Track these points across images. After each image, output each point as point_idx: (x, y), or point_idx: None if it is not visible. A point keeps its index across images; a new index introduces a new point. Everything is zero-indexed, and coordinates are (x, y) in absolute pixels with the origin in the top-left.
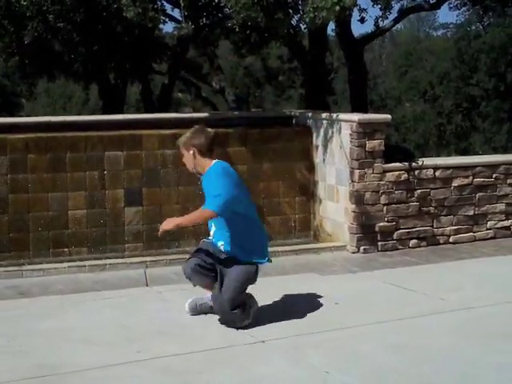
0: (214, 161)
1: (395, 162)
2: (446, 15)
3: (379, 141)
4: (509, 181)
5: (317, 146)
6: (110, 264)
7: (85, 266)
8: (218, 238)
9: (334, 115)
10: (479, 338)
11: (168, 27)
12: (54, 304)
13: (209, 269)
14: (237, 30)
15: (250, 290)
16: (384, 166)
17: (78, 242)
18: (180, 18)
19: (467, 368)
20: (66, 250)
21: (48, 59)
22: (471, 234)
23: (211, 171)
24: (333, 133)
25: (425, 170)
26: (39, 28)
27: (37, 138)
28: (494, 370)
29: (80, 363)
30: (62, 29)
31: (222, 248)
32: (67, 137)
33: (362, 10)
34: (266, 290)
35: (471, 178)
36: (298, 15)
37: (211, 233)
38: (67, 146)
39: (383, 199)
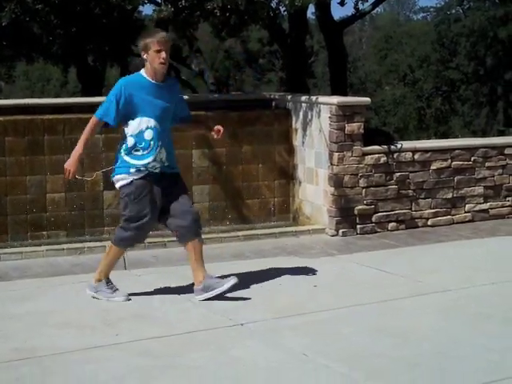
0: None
1: (374, 145)
2: None
3: (358, 124)
4: (487, 164)
5: (296, 129)
6: (88, 247)
7: (63, 249)
8: (171, 159)
9: (314, 98)
10: (458, 319)
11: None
12: (32, 287)
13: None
14: (217, 12)
15: (231, 271)
16: (363, 148)
17: (56, 226)
18: (159, 1)
19: (448, 350)
20: (44, 233)
21: (26, 41)
22: (449, 217)
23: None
24: (312, 116)
25: (404, 153)
26: (17, 10)
27: (14, 121)
28: (474, 350)
29: (59, 346)
30: (39, 10)
31: (174, 170)
32: (45, 119)
33: None
34: (245, 274)
35: (450, 161)
36: None
37: (160, 158)
38: (45, 129)
39: (362, 182)
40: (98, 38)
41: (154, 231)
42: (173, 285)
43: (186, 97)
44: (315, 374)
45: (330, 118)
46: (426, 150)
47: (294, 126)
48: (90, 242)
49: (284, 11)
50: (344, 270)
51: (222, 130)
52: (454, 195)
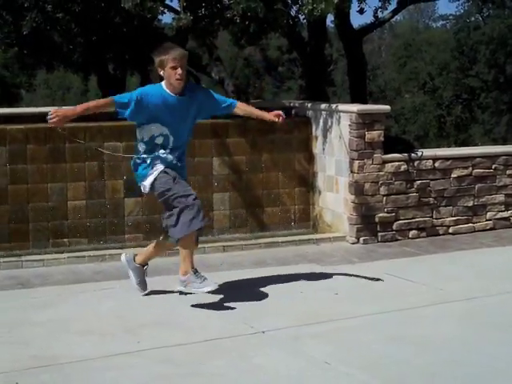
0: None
1: (395, 152)
2: (446, 6)
3: (378, 131)
4: (508, 172)
5: (316, 137)
6: (109, 255)
7: (84, 256)
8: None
9: (334, 106)
10: (479, 328)
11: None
12: (53, 295)
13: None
14: (236, 20)
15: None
16: (383, 156)
17: (77, 233)
18: (178, 9)
19: (468, 357)
20: (65, 240)
21: (47, 50)
22: (471, 224)
23: None
24: (332, 123)
25: (424, 161)
26: (37, 18)
27: (36, 129)
28: (494, 359)
29: (80, 354)
30: (60, 19)
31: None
32: (66, 127)
33: (361, 1)
34: (266, 281)
35: (471, 168)
36: (297, 6)
37: (173, 159)
38: (66, 137)
39: (383, 190)
40: (118, 46)
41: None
42: (194, 292)
43: None
44: (336, 381)
45: (350, 125)
46: (446, 158)
47: (314, 133)
48: (111, 249)
49: (303, 19)
50: (365, 278)
51: (281, 113)
52: (475, 203)
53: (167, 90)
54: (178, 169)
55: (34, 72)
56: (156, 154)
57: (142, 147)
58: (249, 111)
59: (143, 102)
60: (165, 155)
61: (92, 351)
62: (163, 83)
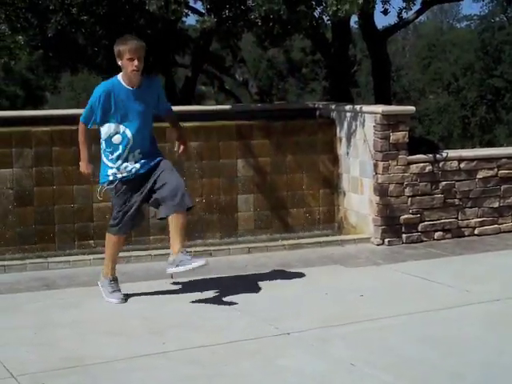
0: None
1: (419, 153)
2: (470, 7)
3: (403, 133)
4: None
5: (340, 138)
6: (134, 256)
7: None
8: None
9: (358, 107)
10: (506, 329)
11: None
12: (79, 296)
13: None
14: (259, 22)
15: (276, 280)
16: (408, 157)
17: (102, 235)
18: (202, 11)
19: (493, 359)
20: (91, 242)
21: (71, 52)
22: (496, 226)
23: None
24: (356, 125)
25: (449, 162)
26: (62, 21)
27: (61, 131)
28: None
29: (106, 355)
30: (85, 22)
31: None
32: (91, 129)
33: (385, 2)
34: (291, 282)
35: (496, 169)
36: (321, 7)
37: (134, 159)
38: (91, 139)
39: (408, 191)
40: None
41: (198, 240)
42: (219, 293)
43: (229, 106)
44: (361, 383)
45: (374, 127)
46: (471, 159)
47: (338, 135)
48: (136, 250)
49: (327, 20)
50: (390, 280)
51: (185, 147)
52: (501, 204)
53: (123, 83)
54: (139, 162)
55: (59, 74)
56: (112, 160)
57: (102, 146)
58: (173, 125)
59: (102, 101)
60: (118, 162)
61: (118, 352)
62: (120, 75)
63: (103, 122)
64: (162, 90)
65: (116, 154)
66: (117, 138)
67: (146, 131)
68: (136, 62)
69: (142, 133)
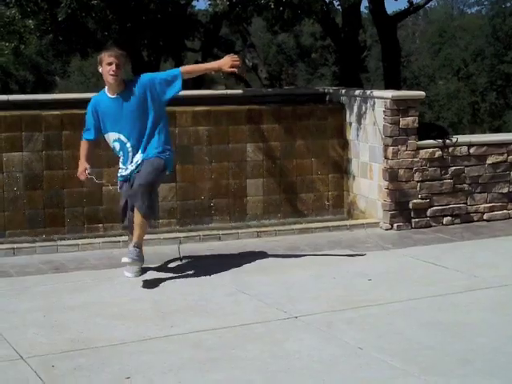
0: None
1: (429, 139)
2: None
3: (413, 118)
4: None
5: (350, 123)
6: (144, 240)
7: (119, 241)
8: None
9: (368, 92)
10: None
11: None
12: (88, 279)
13: None
14: (271, 5)
15: (284, 264)
16: (418, 143)
17: (112, 218)
18: None
19: (502, 344)
20: (100, 225)
21: (81, 37)
22: (505, 211)
23: None
24: (366, 110)
25: (459, 147)
26: (72, 5)
27: (71, 115)
28: None
29: (114, 337)
30: (95, 6)
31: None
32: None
33: None
34: (299, 267)
35: (506, 155)
36: None
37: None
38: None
39: (417, 176)
40: (152, 32)
41: (207, 224)
42: (227, 277)
43: (239, 91)
44: (369, 367)
45: (384, 111)
46: (481, 144)
47: (348, 120)
48: (146, 234)
49: (338, 5)
50: (399, 264)
51: (234, 57)
52: (510, 189)
53: (107, 93)
54: (137, 163)
55: (69, 59)
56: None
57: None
58: (197, 70)
59: (94, 115)
60: (122, 167)
61: (126, 335)
62: (105, 87)
63: (103, 132)
64: (153, 76)
65: (121, 160)
66: (116, 146)
67: (142, 131)
68: (114, 67)
69: (138, 134)
